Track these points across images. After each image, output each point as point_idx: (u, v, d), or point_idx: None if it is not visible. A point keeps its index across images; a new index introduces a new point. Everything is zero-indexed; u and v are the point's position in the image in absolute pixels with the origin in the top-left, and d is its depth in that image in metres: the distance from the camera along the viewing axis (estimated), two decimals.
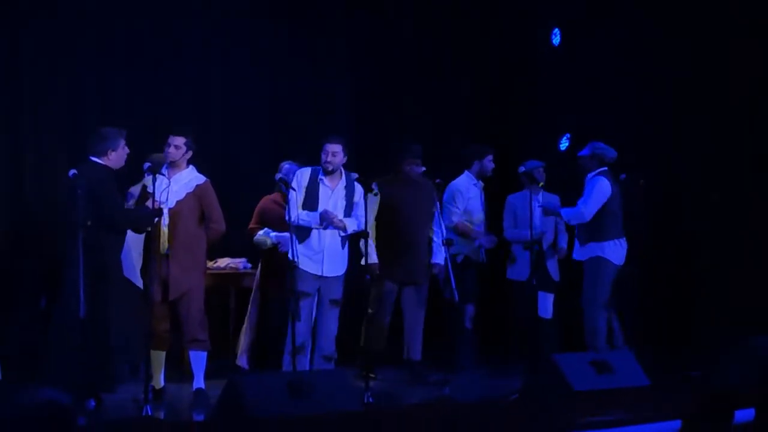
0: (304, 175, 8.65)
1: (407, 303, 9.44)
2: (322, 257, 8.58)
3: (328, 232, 8.58)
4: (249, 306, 9.34)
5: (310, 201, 8.59)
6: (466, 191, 9.85)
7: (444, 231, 9.02)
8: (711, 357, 8.05)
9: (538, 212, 9.72)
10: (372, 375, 8.67)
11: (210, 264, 9.65)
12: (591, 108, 10.99)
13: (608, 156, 9.19)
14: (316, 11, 11.16)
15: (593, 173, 9.19)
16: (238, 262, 9.84)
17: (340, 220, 8.57)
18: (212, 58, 10.67)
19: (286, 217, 8.25)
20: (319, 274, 8.58)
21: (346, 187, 8.70)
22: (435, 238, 9.41)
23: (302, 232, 8.55)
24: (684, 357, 9.40)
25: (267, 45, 10.95)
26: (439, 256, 9.33)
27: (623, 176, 9.36)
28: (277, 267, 8.95)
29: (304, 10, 11.11)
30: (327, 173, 8.63)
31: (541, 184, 9.88)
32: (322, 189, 8.65)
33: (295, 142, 10.61)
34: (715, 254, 10.48)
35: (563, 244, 10.12)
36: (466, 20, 11.62)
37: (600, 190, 9.05)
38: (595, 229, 9.08)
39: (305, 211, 8.53)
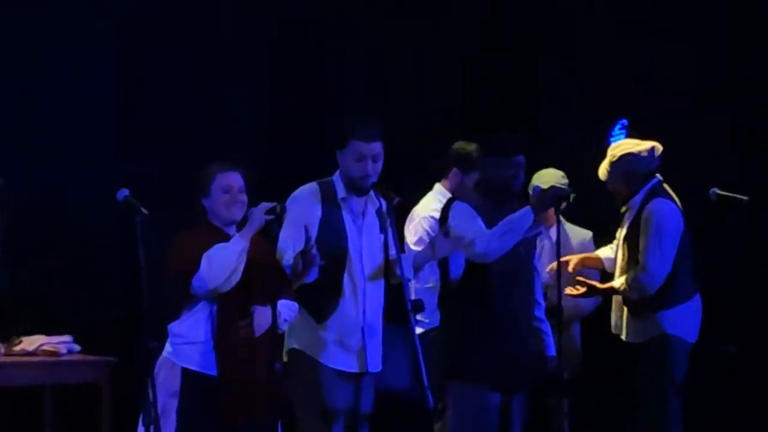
0: (311, 196, 5.78)
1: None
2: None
3: (368, 287, 5.85)
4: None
5: (331, 235, 5.74)
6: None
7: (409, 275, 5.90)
8: None
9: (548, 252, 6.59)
10: None
11: (11, 347, 6.82)
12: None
13: (649, 164, 6.11)
14: None
15: (639, 197, 6.14)
16: (58, 343, 6.85)
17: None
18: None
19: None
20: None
21: (377, 211, 5.91)
22: None
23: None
24: None
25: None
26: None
27: (714, 191, 6.16)
28: None
29: None
30: (359, 191, 5.78)
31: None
32: (347, 217, 5.80)
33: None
34: None
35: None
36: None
37: (668, 228, 6.08)
38: (657, 291, 6.15)
39: None
